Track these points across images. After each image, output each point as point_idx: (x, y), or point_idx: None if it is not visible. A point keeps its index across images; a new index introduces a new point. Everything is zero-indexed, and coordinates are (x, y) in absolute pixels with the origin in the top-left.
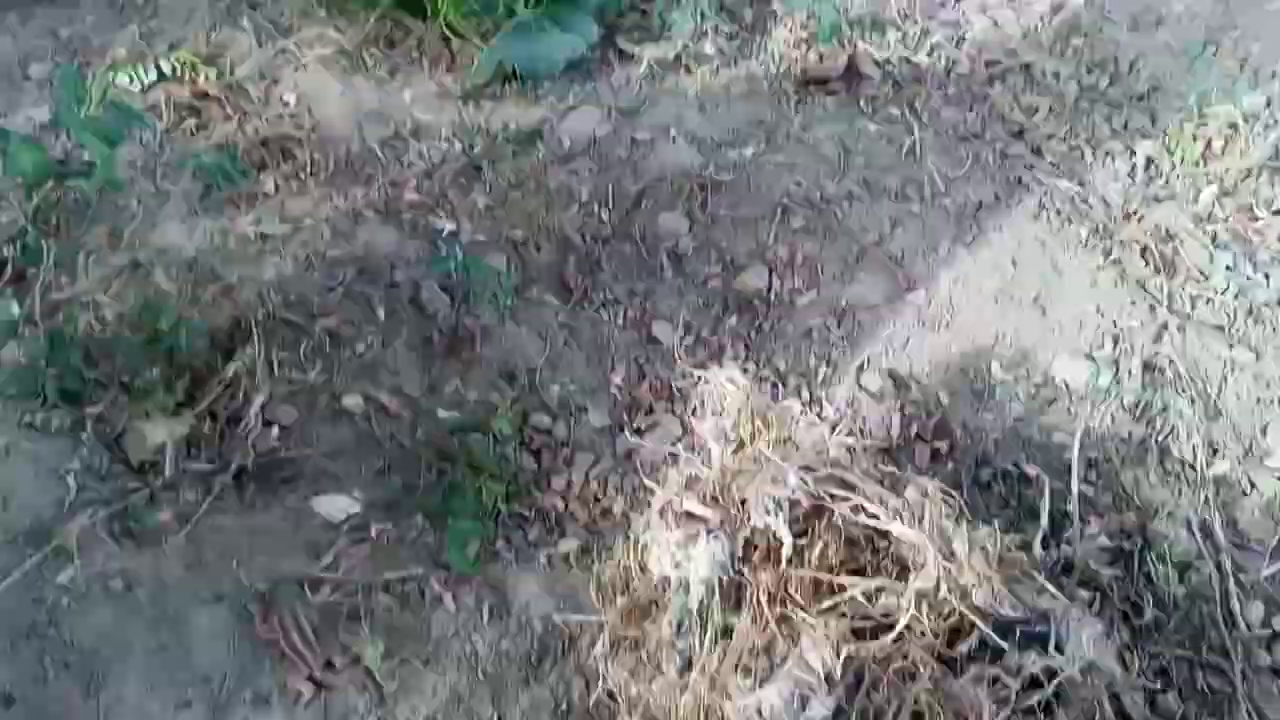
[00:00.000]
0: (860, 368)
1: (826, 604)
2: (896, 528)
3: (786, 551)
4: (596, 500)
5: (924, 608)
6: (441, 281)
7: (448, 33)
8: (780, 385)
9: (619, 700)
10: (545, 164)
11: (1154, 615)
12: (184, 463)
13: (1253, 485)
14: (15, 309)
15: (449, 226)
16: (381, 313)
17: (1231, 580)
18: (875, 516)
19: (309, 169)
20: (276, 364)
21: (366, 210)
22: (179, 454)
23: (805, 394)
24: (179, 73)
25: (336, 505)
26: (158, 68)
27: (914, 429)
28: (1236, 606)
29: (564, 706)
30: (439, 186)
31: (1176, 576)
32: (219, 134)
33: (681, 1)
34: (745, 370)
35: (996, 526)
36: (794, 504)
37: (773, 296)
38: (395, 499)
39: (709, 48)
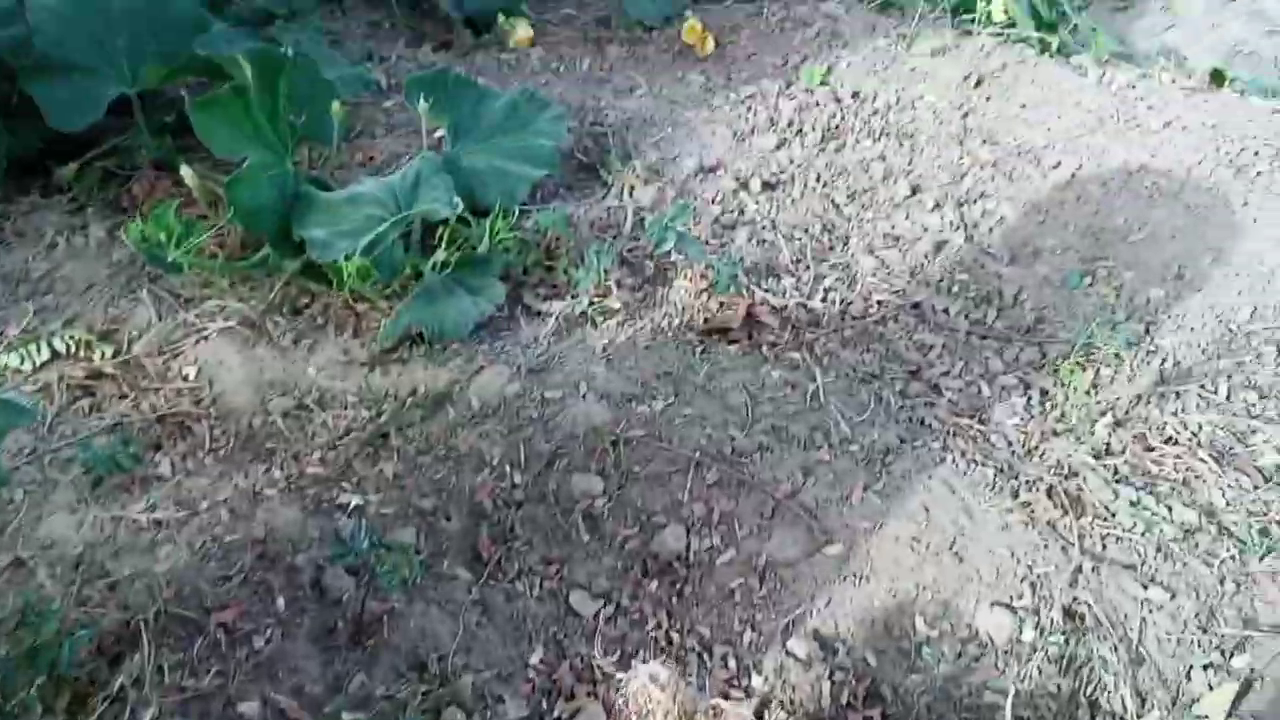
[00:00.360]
0: (786, 629)
1: None
2: None
3: None
4: None
5: None
6: (346, 563)
7: (351, 300)
8: (706, 655)
9: None
10: (454, 427)
11: None
12: None
13: None
14: None
15: (354, 500)
16: (281, 602)
17: None
18: None
19: (207, 446)
20: (167, 670)
21: (268, 489)
22: None
23: (732, 663)
24: (73, 350)
25: None
26: (50, 346)
27: (844, 696)
28: None
29: None
30: (344, 457)
31: None
32: (113, 413)
33: (585, 257)
34: (666, 653)
35: None
36: None
37: (691, 557)
38: None
39: (614, 302)
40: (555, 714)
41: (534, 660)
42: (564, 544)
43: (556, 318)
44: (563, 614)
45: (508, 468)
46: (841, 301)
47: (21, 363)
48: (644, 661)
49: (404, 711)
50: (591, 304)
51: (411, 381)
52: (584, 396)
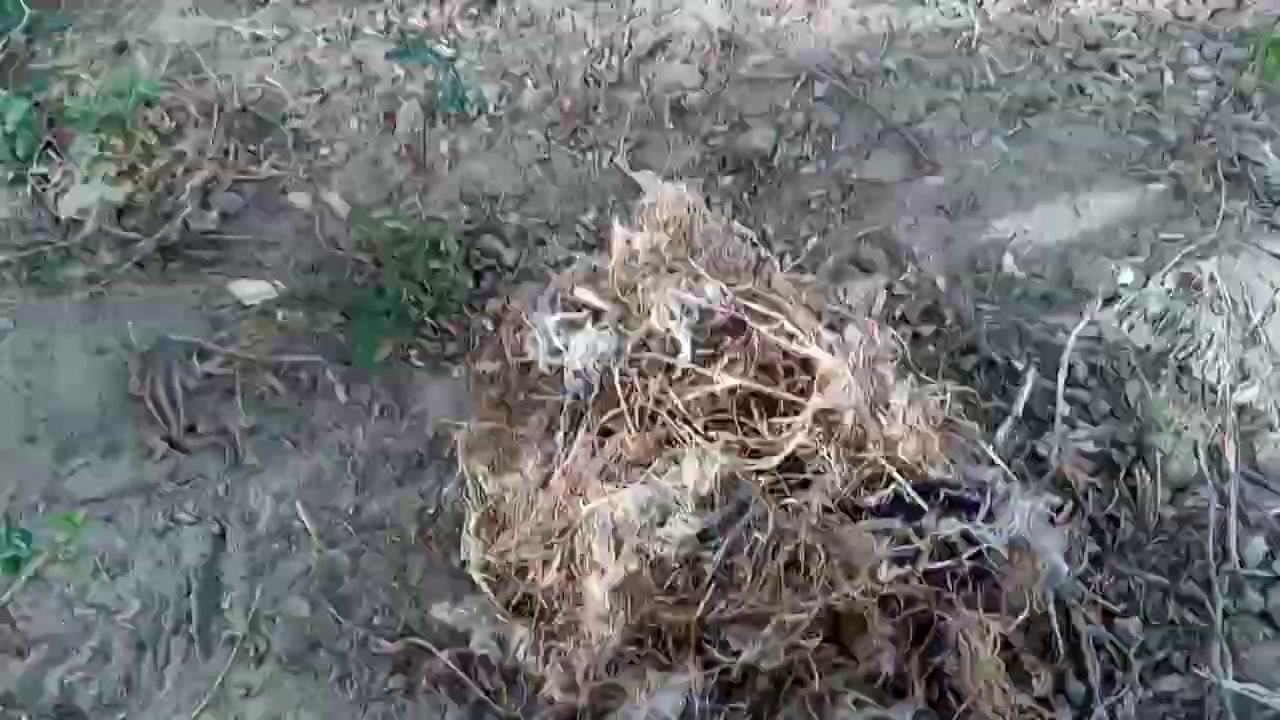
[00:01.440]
0: (858, 241)
1: (718, 428)
2: (817, 352)
3: (683, 361)
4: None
5: (837, 451)
6: (423, 99)
7: None
8: (764, 248)
9: (471, 498)
10: (563, 7)
11: (1132, 533)
12: (109, 227)
13: None
14: None
15: (448, 52)
16: (353, 123)
17: (1234, 511)
18: (797, 341)
19: None
20: (233, 152)
21: (368, 27)
22: (105, 216)
23: (788, 260)
24: None
25: (252, 289)
26: None
27: (899, 309)
28: (1234, 540)
29: (430, 509)
30: (448, 15)
31: (1168, 497)
32: None
33: None
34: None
35: (948, 388)
36: (706, 315)
37: (775, 160)
38: (317, 294)
39: None
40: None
41: (586, 219)
42: (644, 128)
43: None
44: (626, 188)
45: (607, 50)
46: None
47: None
48: None
49: (445, 230)
50: None
51: None
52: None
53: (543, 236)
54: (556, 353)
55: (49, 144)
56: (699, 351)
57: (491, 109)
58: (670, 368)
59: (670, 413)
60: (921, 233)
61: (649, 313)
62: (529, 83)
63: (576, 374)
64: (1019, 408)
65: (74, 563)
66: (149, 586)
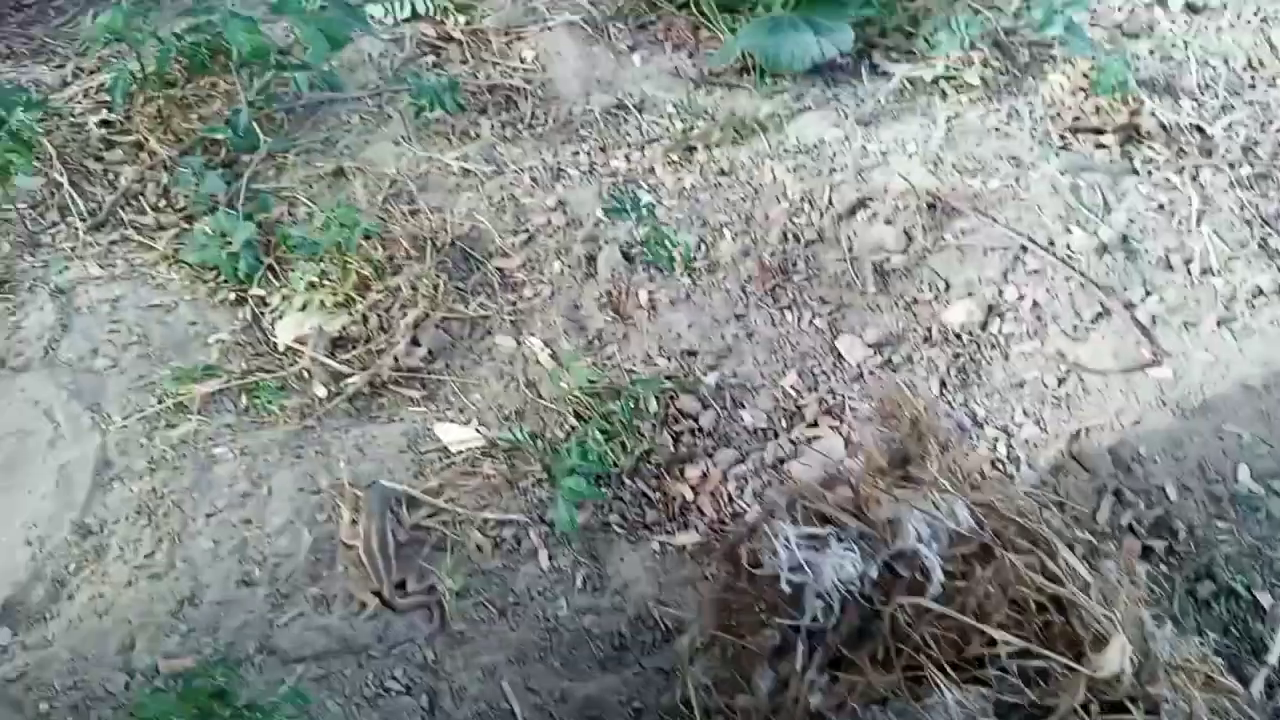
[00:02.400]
0: (1075, 436)
1: (970, 666)
2: (1085, 600)
3: (933, 590)
4: (730, 500)
5: (1091, 705)
6: (624, 246)
7: (695, 20)
8: (977, 431)
9: (693, 710)
10: (762, 158)
11: None
12: (323, 358)
13: None
14: (222, 185)
15: (647, 199)
16: (556, 266)
17: None
18: (1057, 581)
19: (526, 121)
20: (441, 290)
21: (571, 169)
22: (321, 347)
23: (1001, 448)
24: (431, 13)
25: (457, 435)
26: (411, 5)
27: (1127, 517)
28: None
29: (636, 703)
30: (649, 160)
31: None
32: (452, 73)
33: (953, 25)
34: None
35: (1209, 643)
36: (957, 540)
37: (984, 335)
38: (517, 446)
39: (972, 76)
40: (792, 434)
41: (785, 383)
42: (845, 290)
43: (902, 79)
44: (825, 352)
45: (806, 206)
46: (1247, 139)
47: (385, 14)
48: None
49: (644, 386)
50: (947, 73)
51: (732, 106)
52: (910, 156)
53: (740, 399)
54: (799, 569)
55: (269, 267)
56: (945, 581)
57: (691, 260)
58: (917, 596)
59: (915, 648)
60: (1147, 433)
61: (894, 534)
62: (727, 234)
63: (819, 595)
64: (1275, 657)
65: None
66: None
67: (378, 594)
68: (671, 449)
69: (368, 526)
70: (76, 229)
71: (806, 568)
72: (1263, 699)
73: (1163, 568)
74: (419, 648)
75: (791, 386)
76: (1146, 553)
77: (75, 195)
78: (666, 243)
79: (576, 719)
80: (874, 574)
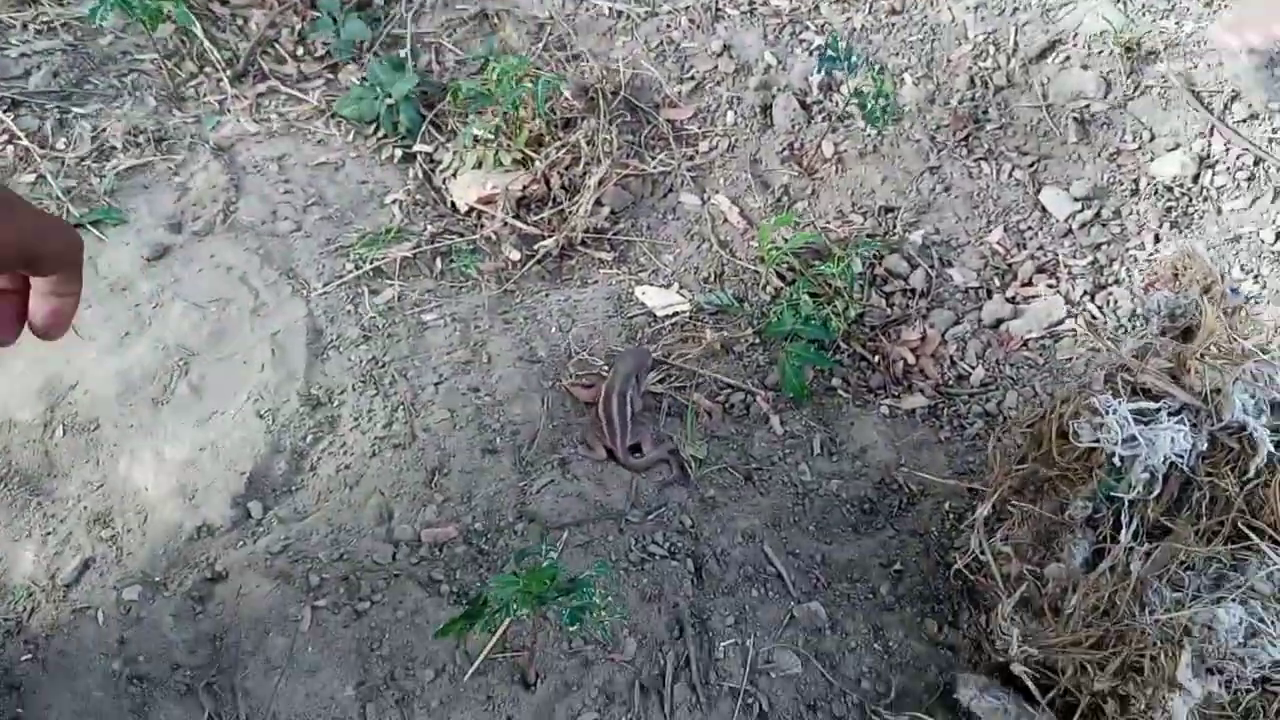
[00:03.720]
0: None
1: None
2: None
3: (1259, 461)
4: (953, 363)
5: None
6: (800, 96)
7: None
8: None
9: (988, 577)
10: None
11: None
12: (512, 221)
13: None
14: (366, 30)
15: (816, 40)
16: (730, 116)
17: None
18: None
19: None
20: (616, 145)
21: (729, 8)
22: (508, 209)
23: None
24: None
25: (661, 299)
26: None
27: None
28: None
29: (897, 565)
30: (814, 0)
31: None
32: None
33: None
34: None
35: None
36: (1278, 410)
37: (1196, 189)
38: (724, 310)
39: None
40: (1007, 293)
41: (991, 240)
42: (1044, 140)
43: None
44: (1030, 207)
45: (991, 49)
46: None
47: None
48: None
49: (845, 244)
50: None
51: None
52: None
53: (947, 257)
54: (1129, 440)
55: (431, 121)
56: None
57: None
58: (1243, 469)
59: (1239, 515)
60: None
61: (1220, 406)
62: (908, 78)
63: (1148, 468)
64: None
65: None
66: (639, 624)
67: (610, 453)
68: (885, 310)
69: (609, 387)
70: (220, 80)
71: (1139, 440)
72: None
73: None
74: (674, 512)
75: (998, 243)
76: None
77: (209, 44)
78: (875, 90)
79: (840, 581)
80: (1203, 446)
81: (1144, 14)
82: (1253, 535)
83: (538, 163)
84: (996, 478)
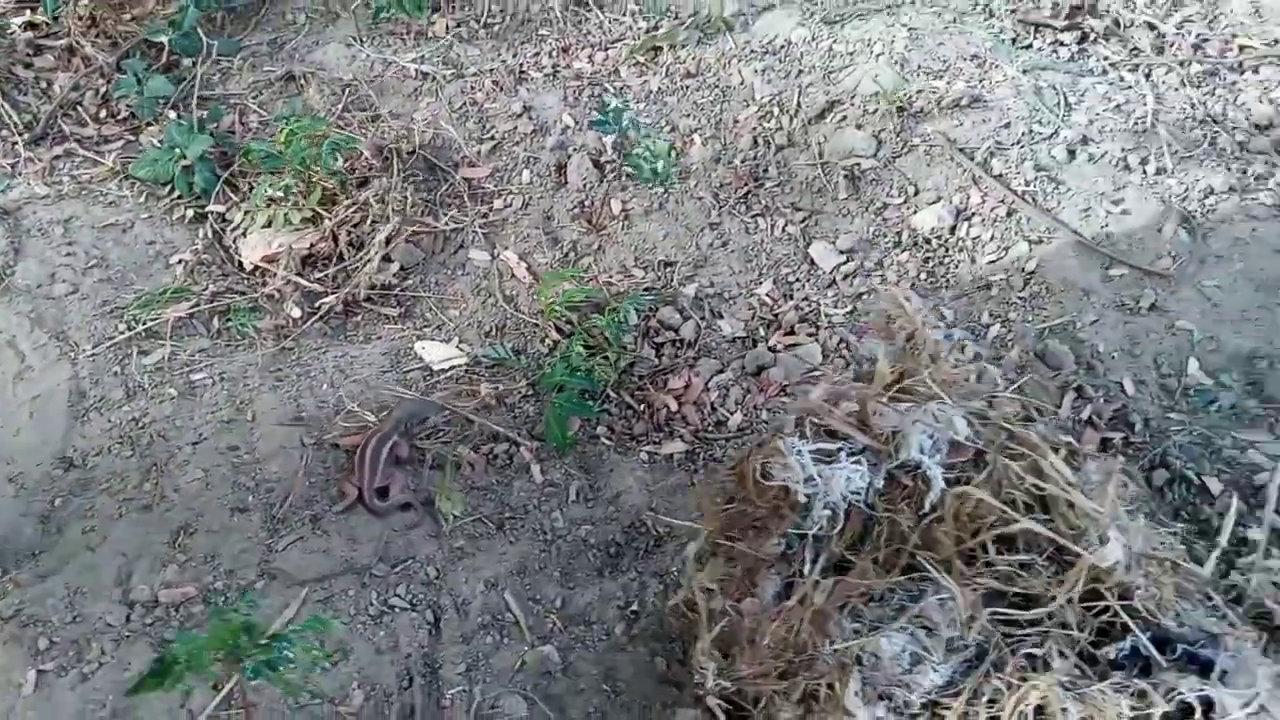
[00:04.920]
0: (1041, 334)
1: (966, 566)
2: (1078, 498)
3: (933, 497)
4: (713, 409)
5: (1072, 596)
6: (595, 156)
7: None
8: (948, 337)
9: (697, 613)
10: (729, 59)
11: None
12: (295, 279)
13: None
14: (170, 89)
15: (614, 103)
16: (526, 175)
17: None
18: (1048, 481)
19: (483, 20)
20: (409, 203)
21: (533, 71)
22: (292, 267)
23: (969, 351)
24: None
25: (440, 353)
26: None
27: (1087, 412)
28: None
29: (634, 606)
30: (613, 61)
31: None
32: None
33: None
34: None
35: (1178, 532)
36: (954, 449)
37: (954, 240)
38: (501, 363)
39: None
40: (770, 342)
41: (761, 292)
42: (817, 196)
43: None
44: (800, 260)
45: (776, 110)
46: (1197, 37)
47: None
48: None
49: (622, 298)
50: None
51: (696, 4)
52: (877, 58)
53: (718, 309)
54: (810, 481)
55: (226, 181)
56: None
57: (663, 167)
58: (917, 503)
59: (914, 550)
60: (1107, 331)
61: (898, 446)
62: (697, 139)
63: (828, 505)
64: (1224, 538)
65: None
66: (370, 676)
67: (359, 493)
68: (654, 360)
69: (375, 432)
70: (14, 144)
71: (818, 480)
72: (1215, 577)
73: (1120, 458)
74: (422, 564)
75: (767, 294)
76: (1105, 444)
77: (8, 106)
78: (648, 152)
79: (577, 624)
80: (879, 484)
81: (919, 74)
82: (928, 566)
83: (327, 221)
84: (707, 518)
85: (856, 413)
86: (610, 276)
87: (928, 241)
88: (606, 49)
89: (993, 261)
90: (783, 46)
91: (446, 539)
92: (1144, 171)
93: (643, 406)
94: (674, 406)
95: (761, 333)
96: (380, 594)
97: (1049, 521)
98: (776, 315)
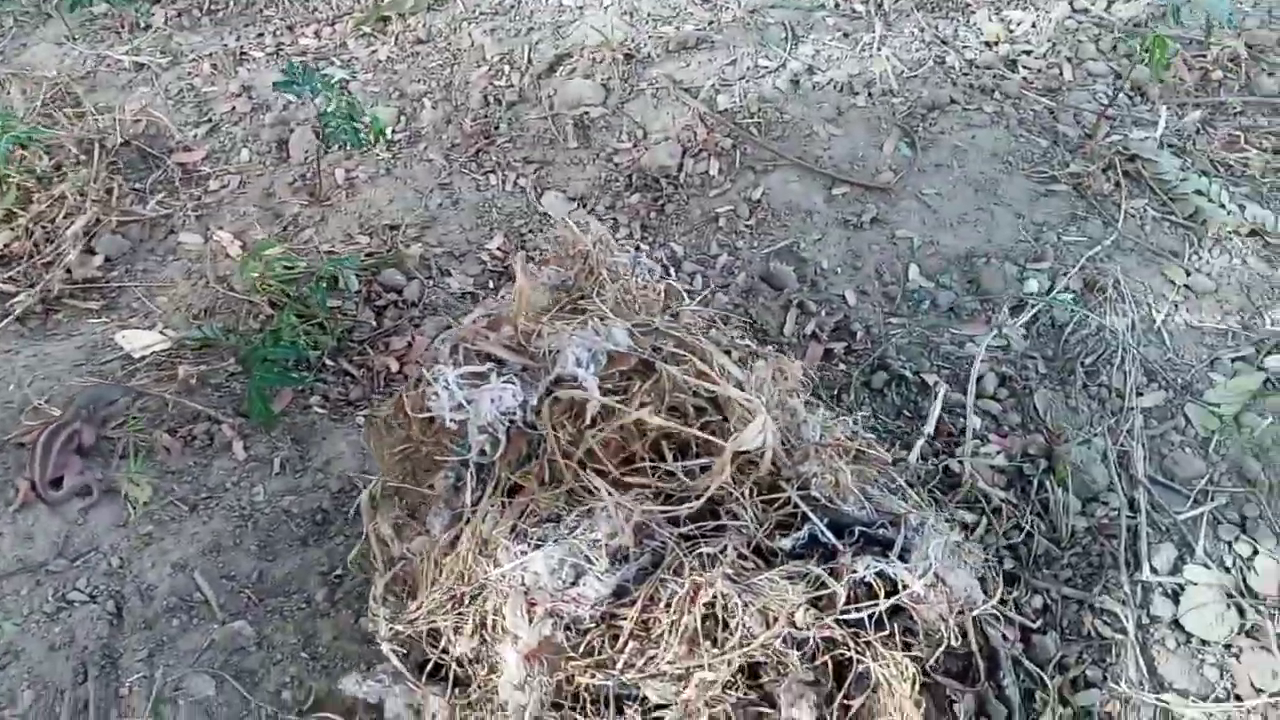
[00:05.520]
0: (767, 258)
1: (631, 475)
2: (731, 391)
3: (592, 409)
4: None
5: (750, 491)
6: (316, 126)
7: None
8: (674, 269)
9: (378, 561)
10: (460, 23)
11: (1046, 547)
12: None
13: (1188, 421)
14: None
15: (340, 75)
16: (245, 154)
17: (1144, 518)
18: (711, 381)
19: (206, 7)
20: (116, 193)
21: (255, 51)
22: None
23: (699, 281)
24: None
25: (141, 340)
26: None
27: (810, 326)
28: (1144, 548)
29: (337, 572)
30: (340, 35)
31: (1079, 506)
32: None
33: None
34: (640, 248)
35: (860, 419)
36: (615, 359)
37: (683, 177)
38: (208, 343)
39: None
40: (500, 294)
41: (492, 246)
42: (548, 148)
43: None
44: (530, 211)
45: (506, 68)
46: None
47: None
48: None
49: (343, 265)
50: None
51: None
52: (605, 8)
53: (447, 267)
54: (460, 408)
55: None
56: (607, 398)
57: (390, 133)
58: (579, 416)
59: (580, 463)
60: (830, 247)
61: (553, 361)
62: (427, 103)
63: (482, 430)
64: (930, 426)
65: None
66: (42, 675)
67: (31, 485)
68: (374, 324)
69: (52, 422)
70: None
71: (466, 405)
72: (918, 463)
73: (842, 366)
74: (104, 555)
75: (499, 248)
76: (828, 355)
77: None
78: (363, 120)
79: (275, 596)
80: (534, 402)
81: (648, 21)
82: (591, 480)
83: (22, 218)
84: (381, 462)
85: (514, 336)
86: (333, 245)
87: (657, 181)
88: (334, 23)
89: (720, 194)
90: (513, 6)
91: (134, 526)
92: (869, 94)
93: (362, 371)
94: (395, 367)
95: (491, 285)
96: (57, 590)
97: (724, 420)
98: (507, 267)
